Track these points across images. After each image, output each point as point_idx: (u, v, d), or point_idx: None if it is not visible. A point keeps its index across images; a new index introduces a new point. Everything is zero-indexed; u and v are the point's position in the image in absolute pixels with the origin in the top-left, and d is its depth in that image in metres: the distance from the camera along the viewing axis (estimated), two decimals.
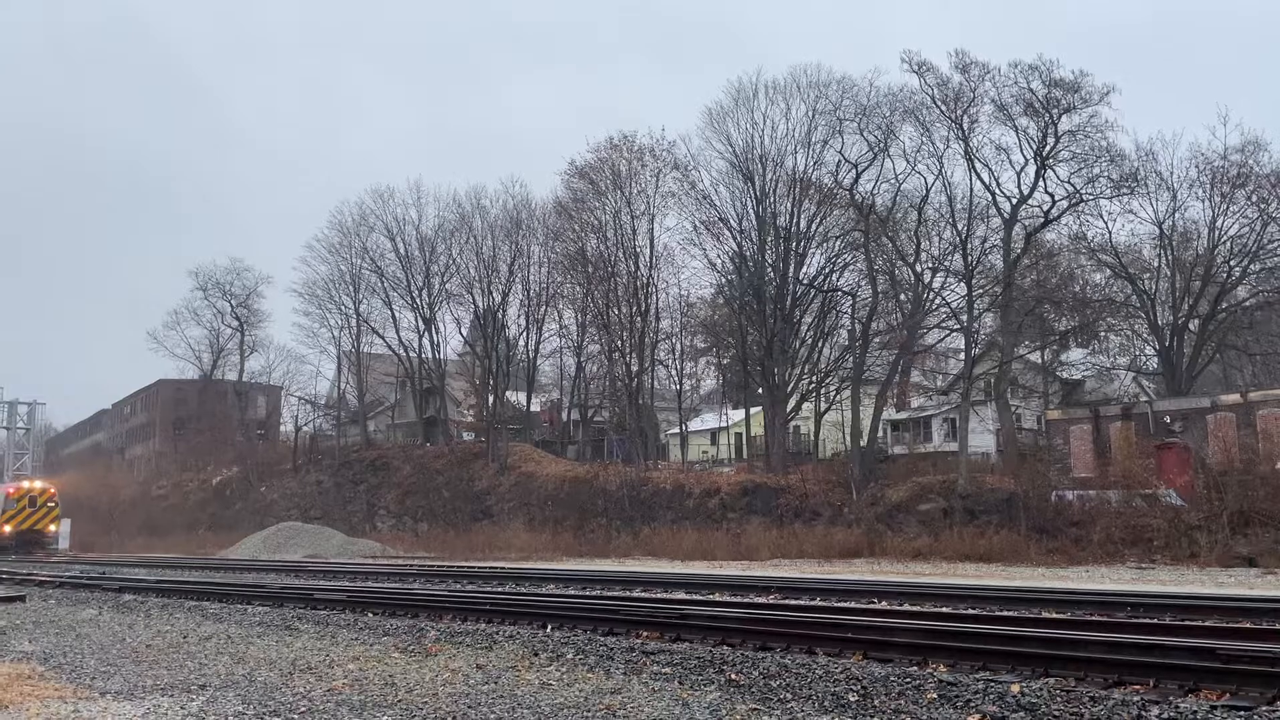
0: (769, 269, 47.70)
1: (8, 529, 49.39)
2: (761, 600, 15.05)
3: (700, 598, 15.46)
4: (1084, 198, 40.46)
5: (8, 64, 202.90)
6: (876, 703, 7.22)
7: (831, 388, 49.29)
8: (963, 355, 44.99)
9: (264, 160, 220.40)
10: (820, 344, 49.00)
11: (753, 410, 50.83)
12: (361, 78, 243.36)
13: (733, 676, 8.39)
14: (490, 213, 58.14)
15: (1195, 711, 6.42)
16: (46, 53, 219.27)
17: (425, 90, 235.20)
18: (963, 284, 41.87)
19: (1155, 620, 11.39)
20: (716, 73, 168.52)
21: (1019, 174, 40.63)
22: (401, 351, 62.45)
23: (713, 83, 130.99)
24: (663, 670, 8.84)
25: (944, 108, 41.19)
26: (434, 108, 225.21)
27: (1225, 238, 42.33)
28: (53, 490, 52.58)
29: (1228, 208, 41.86)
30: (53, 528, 50.87)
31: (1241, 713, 6.35)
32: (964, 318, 41.92)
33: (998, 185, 41.22)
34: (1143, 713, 6.44)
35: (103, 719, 6.99)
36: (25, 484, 52.88)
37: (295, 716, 7.01)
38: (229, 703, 7.64)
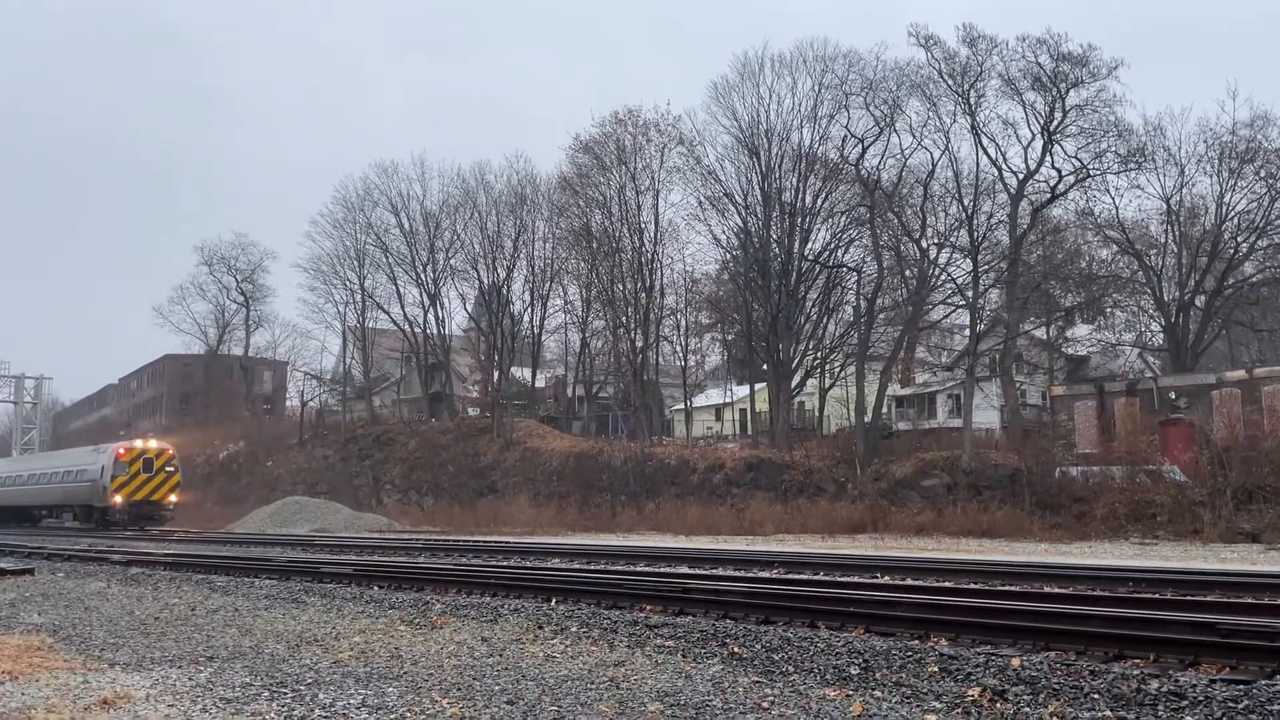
0: (774, 245, 47.56)
1: (119, 499, 41.30)
2: (765, 575, 15.11)
3: (704, 572, 15.52)
4: (1091, 173, 40.23)
5: (4, 42, 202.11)
6: (878, 676, 7.27)
7: (836, 364, 49.27)
8: (968, 331, 44.85)
9: (262, 132, 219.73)
10: (825, 320, 48.94)
11: (757, 386, 50.86)
12: (360, 47, 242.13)
13: (735, 650, 8.44)
14: (495, 188, 58.11)
15: (1195, 685, 6.46)
16: (41, 30, 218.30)
17: (424, 62, 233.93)
18: (968, 260, 41.71)
19: (1157, 595, 11.44)
20: (722, 46, 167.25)
21: (1026, 149, 40.42)
22: (406, 327, 62.51)
23: (718, 56, 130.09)
24: (666, 643, 8.91)
25: (951, 82, 40.91)
26: (434, 80, 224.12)
27: (1233, 213, 42.12)
28: (171, 451, 44.33)
29: (1236, 183, 41.65)
30: (172, 498, 43.11)
31: (1241, 686, 6.38)
32: (969, 293, 41.77)
33: (1004, 160, 41.01)
34: (1142, 686, 6.48)
35: (112, 690, 7.06)
36: (138, 443, 44.19)
37: (302, 688, 7.08)
38: (236, 674, 7.72)
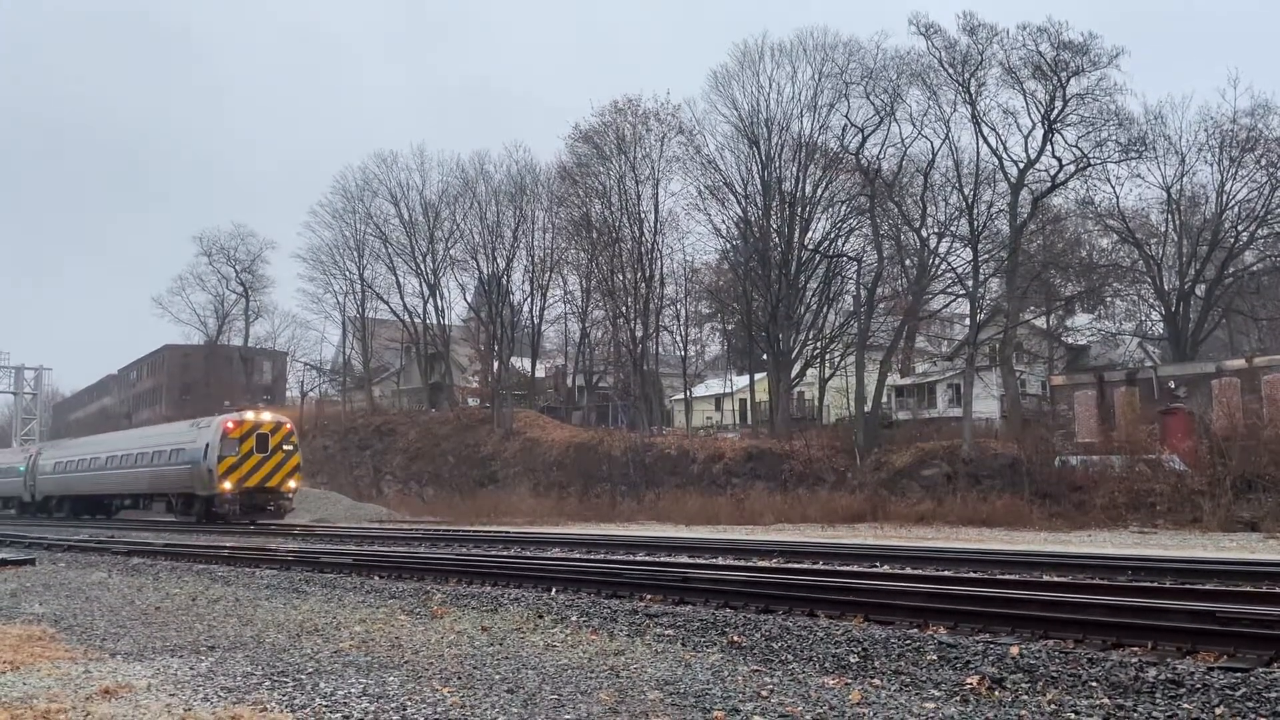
0: (774, 234, 47.54)
1: (227, 485, 33.99)
2: (764, 564, 15.15)
3: (703, 561, 15.57)
4: (1091, 162, 40.20)
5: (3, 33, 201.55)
6: (877, 664, 7.30)
7: (836, 353, 49.29)
8: (968, 321, 44.88)
9: (261, 122, 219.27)
10: (825, 310, 48.95)
11: (757, 376, 50.88)
12: (357, 34, 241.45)
13: (735, 638, 8.47)
14: (494, 178, 58.11)
15: (1192, 672, 6.48)
16: (38, 21, 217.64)
17: (421, 50, 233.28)
18: (968, 249, 41.72)
19: (1155, 583, 11.46)
20: (722, 35, 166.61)
21: (1026, 138, 40.38)
22: (406, 317, 62.53)
23: (718, 45, 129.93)
24: (666, 632, 8.93)
25: (951, 71, 40.83)
26: (432, 69, 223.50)
27: (1233, 202, 42.14)
28: (289, 425, 36.78)
29: (1236, 172, 41.64)
30: (292, 483, 35.85)
31: (1238, 674, 6.41)
32: (969, 283, 41.78)
33: (1005, 149, 40.96)
34: (1140, 674, 6.50)
35: (113, 679, 7.08)
36: (250, 415, 36.60)
37: (303, 677, 7.10)
38: (238, 663, 7.74)
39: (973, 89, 40.53)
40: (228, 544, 22.49)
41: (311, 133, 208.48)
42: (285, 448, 35.65)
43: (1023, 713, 5.77)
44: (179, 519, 37.17)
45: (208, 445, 34.81)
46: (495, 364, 58.57)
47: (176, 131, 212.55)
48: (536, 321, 58.89)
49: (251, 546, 21.56)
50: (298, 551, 19.62)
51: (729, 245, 51.71)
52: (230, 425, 34.91)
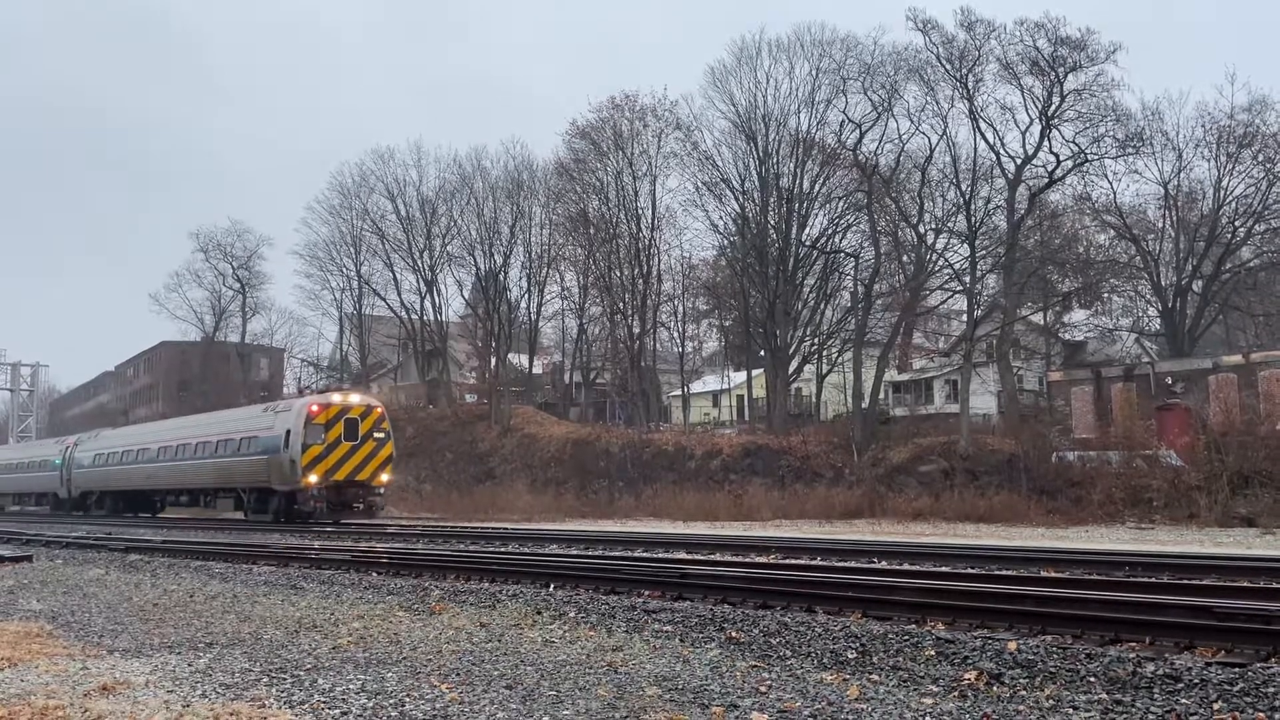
0: (771, 230, 47.53)
1: (312, 479, 30.03)
2: (762, 560, 15.14)
3: (701, 557, 15.56)
4: (1089, 158, 40.24)
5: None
6: (875, 660, 7.30)
7: (834, 349, 49.32)
8: (965, 317, 44.90)
9: (257, 117, 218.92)
10: (822, 306, 48.98)
11: (755, 372, 50.87)
12: (353, 27, 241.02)
13: (733, 634, 8.47)
14: (491, 174, 57.96)
15: (1190, 667, 6.49)
16: (36, 16, 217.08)
17: (419, 46, 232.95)
18: (966, 245, 41.74)
19: (1153, 579, 11.47)
20: (719, 31, 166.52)
21: (1024, 134, 40.39)
22: (403, 314, 62.47)
23: (716, 41, 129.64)
24: (664, 628, 8.93)
25: (949, 66, 40.85)
26: (428, 64, 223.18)
27: (1230, 198, 42.19)
28: (380, 409, 32.57)
29: (1233, 168, 41.70)
30: (384, 476, 31.96)
31: (1236, 669, 6.41)
32: (967, 279, 41.80)
33: (1002, 145, 40.99)
34: (1138, 669, 6.51)
35: (111, 676, 7.07)
36: (335, 398, 32.22)
37: (301, 673, 7.09)
38: (236, 660, 7.74)
39: (970, 85, 40.59)
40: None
41: (308, 129, 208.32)
42: (376, 435, 31.61)
43: (1020, 708, 5.77)
44: (251, 518, 32.93)
45: (288, 432, 30.66)
46: (493, 360, 58.53)
47: (174, 128, 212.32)
48: (534, 318, 58.89)
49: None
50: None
51: (726, 241, 51.74)
52: (315, 409, 30.83)
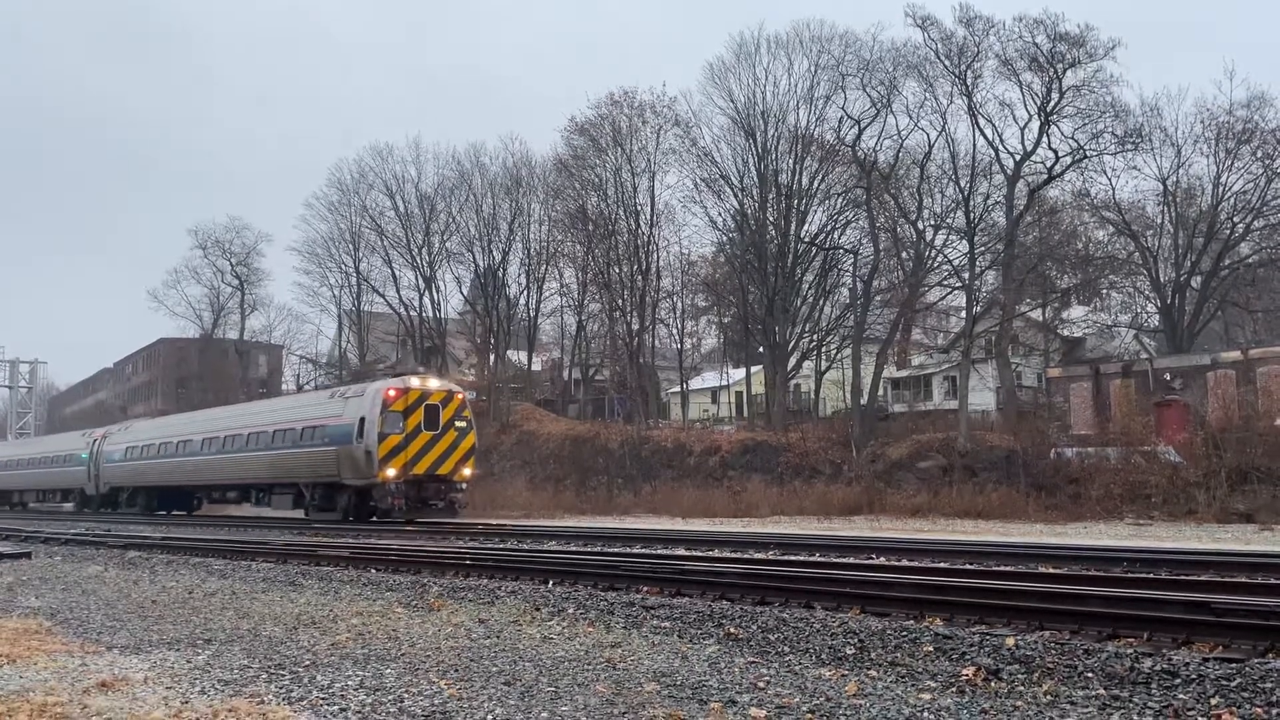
0: (770, 227, 47.52)
1: (390, 472, 27.10)
2: (761, 556, 15.15)
3: (700, 554, 15.56)
4: (1088, 154, 40.28)
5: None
6: (873, 655, 7.31)
7: (832, 346, 49.34)
8: (964, 313, 44.94)
9: (256, 115, 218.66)
10: (821, 302, 49.00)
11: (753, 369, 50.88)
12: (349, 22, 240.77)
13: (731, 630, 8.48)
14: (490, 170, 57.95)
15: (1188, 663, 6.50)
16: (34, 14, 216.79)
17: (417, 41, 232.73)
18: (965, 241, 41.74)
19: (1151, 575, 11.49)
20: (718, 27, 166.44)
21: (1023, 130, 40.42)
22: (402, 310, 62.44)
23: (714, 37, 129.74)
24: (662, 624, 8.94)
25: (948, 63, 40.87)
26: (426, 62, 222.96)
27: (1229, 194, 42.19)
28: (461, 395, 29.72)
29: (1232, 163, 41.70)
30: (467, 470, 28.93)
31: (1233, 664, 6.42)
32: (965, 275, 41.82)
33: (1001, 141, 41.02)
34: (1136, 664, 6.52)
35: (110, 672, 7.08)
36: (414, 382, 28.99)
37: (300, 670, 7.10)
38: (234, 656, 7.74)
39: (969, 81, 40.61)
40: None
41: (306, 125, 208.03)
42: (458, 424, 28.57)
43: (1019, 703, 5.78)
44: (314, 516, 29.85)
45: (362, 420, 27.52)
46: (491, 357, 58.52)
47: (172, 125, 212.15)
48: (533, 314, 58.88)
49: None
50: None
51: (725, 238, 51.76)
52: (392, 394, 27.73)
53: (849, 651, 7.46)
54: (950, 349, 49.29)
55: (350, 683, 6.60)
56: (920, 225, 44.92)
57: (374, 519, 27.92)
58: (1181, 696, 5.87)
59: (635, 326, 52.25)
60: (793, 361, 47.89)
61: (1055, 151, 40.14)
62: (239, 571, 14.98)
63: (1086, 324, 48.96)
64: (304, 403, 33.48)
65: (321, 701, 6.08)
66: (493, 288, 57.99)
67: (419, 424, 27.80)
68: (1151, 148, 42.06)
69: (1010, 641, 7.35)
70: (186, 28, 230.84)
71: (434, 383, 29.61)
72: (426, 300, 61.41)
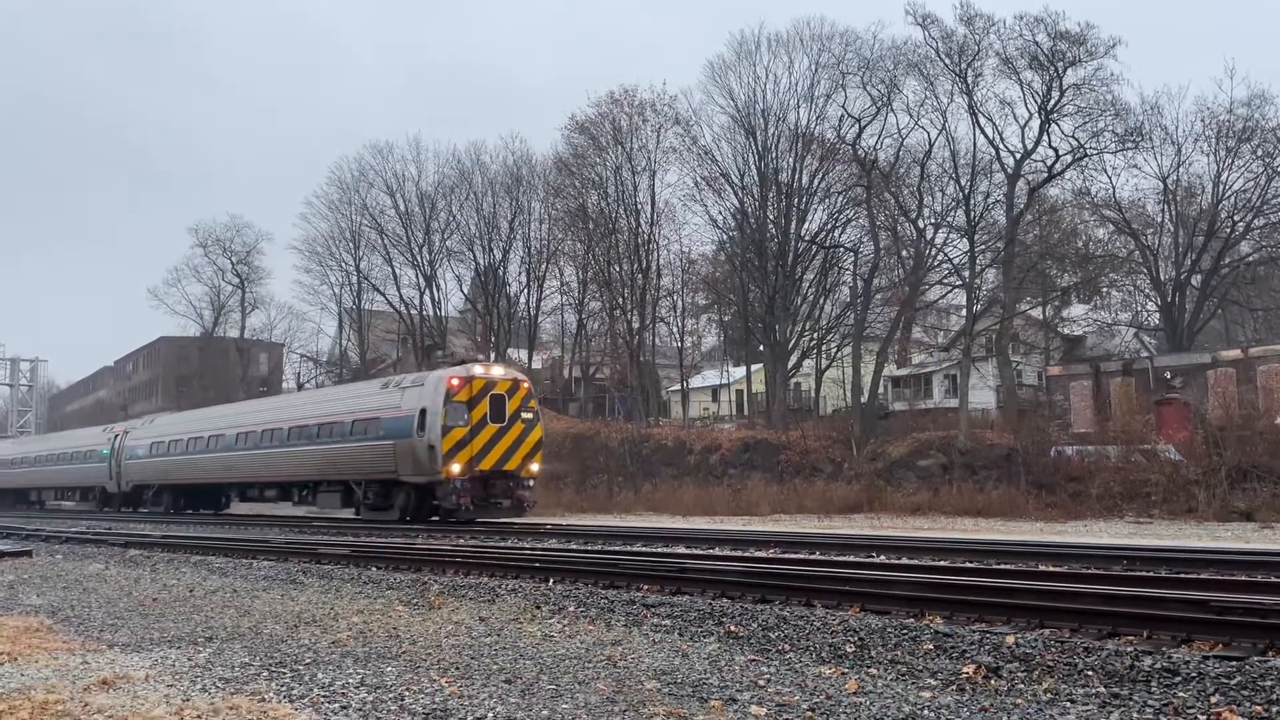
0: (770, 225, 47.52)
1: (455, 468, 25.05)
2: (761, 554, 15.14)
3: (700, 552, 15.57)
4: (1088, 152, 40.29)
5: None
6: (873, 653, 7.32)
7: (833, 344, 49.36)
8: (964, 311, 44.96)
9: (256, 113, 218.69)
10: (822, 301, 48.99)
11: (754, 367, 50.88)
12: (349, 19, 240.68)
13: (732, 628, 8.49)
14: (490, 169, 57.94)
15: (1188, 661, 6.51)
16: (33, 11, 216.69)
17: (414, 39, 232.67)
18: (965, 240, 41.77)
19: (1151, 573, 11.49)
20: (718, 24, 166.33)
21: (1023, 128, 40.44)
22: (403, 309, 62.43)
23: (715, 35, 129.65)
24: (663, 622, 8.95)
25: (948, 61, 40.88)
26: (425, 60, 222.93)
27: (1229, 192, 42.18)
28: (527, 384, 27.56)
29: (1233, 162, 41.70)
30: (534, 466, 27.12)
31: (1233, 663, 6.43)
32: (966, 274, 41.84)
33: (1001, 140, 41.03)
34: (1136, 662, 6.53)
35: (111, 670, 7.09)
36: (478, 370, 27.03)
37: (301, 668, 7.11)
38: (235, 654, 7.75)
39: (969, 79, 40.62)
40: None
41: (307, 124, 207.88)
42: (524, 415, 26.62)
43: (1019, 701, 5.79)
44: (370, 516, 27.77)
45: (423, 412, 25.52)
46: (492, 355, 58.51)
47: (172, 124, 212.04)
48: (533, 313, 58.88)
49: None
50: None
51: (726, 236, 51.75)
52: (455, 383, 25.65)
53: (849, 649, 7.47)
54: (950, 347, 49.32)
55: (351, 680, 6.61)
56: (920, 224, 44.98)
57: (435, 519, 26.16)
58: (1181, 694, 5.88)
59: (635, 325, 52.25)
60: (793, 360, 47.89)
61: (1055, 150, 40.19)
62: (240, 570, 15.00)
63: (1087, 322, 48.98)
64: (353, 394, 31.22)
65: (322, 699, 6.09)
66: (493, 286, 58.01)
67: (484, 415, 25.85)
68: (1152, 146, 42.14)
69: (1010, 639, 7.36)
70: (187, 28, 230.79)
71: (498, 370, 27.62)
72: (427, 299, 61.50)
